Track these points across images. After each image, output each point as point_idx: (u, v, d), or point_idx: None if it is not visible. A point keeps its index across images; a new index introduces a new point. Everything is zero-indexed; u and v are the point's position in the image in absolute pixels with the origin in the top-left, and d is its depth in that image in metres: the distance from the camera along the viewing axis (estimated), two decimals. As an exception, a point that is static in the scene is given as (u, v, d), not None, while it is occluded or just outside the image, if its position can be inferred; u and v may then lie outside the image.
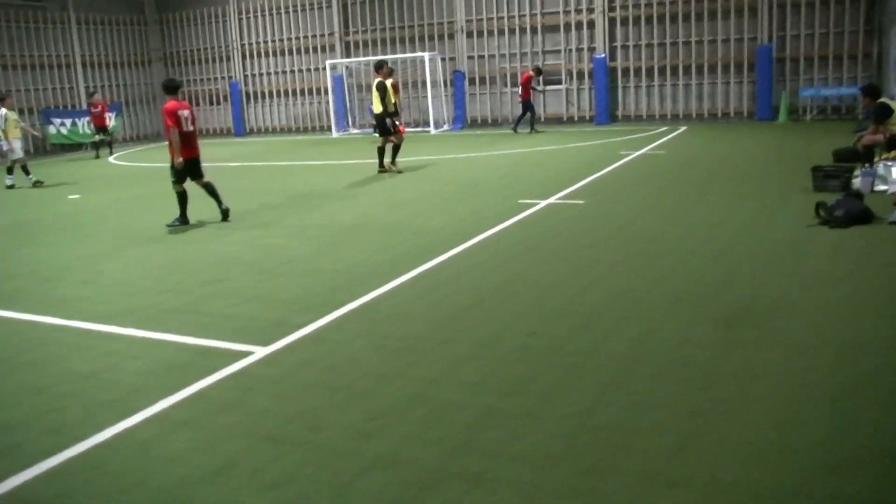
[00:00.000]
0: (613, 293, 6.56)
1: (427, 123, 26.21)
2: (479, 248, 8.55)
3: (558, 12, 25.59)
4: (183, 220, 10.99)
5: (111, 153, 25.10)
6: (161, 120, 10.65)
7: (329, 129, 28.85)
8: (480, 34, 26.85)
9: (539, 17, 25.91)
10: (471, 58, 27.15)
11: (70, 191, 16.12)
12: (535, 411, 4.37)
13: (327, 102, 29.05)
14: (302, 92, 30.68)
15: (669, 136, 19.93)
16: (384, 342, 5.72)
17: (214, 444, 4.25)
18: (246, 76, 31.57)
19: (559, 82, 25.84)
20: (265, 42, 30.86)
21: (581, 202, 10.90)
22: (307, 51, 30.13)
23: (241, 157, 21.82)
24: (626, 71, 25.14)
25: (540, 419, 4.26)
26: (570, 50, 25.68)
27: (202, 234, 10.41)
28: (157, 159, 22.76)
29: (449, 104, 27.42)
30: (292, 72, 30.68)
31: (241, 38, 31.25)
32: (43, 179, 17.51)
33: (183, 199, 10.99)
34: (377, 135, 15.99)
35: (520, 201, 11.17)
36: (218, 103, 32.43)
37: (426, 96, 26.33)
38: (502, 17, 26.42)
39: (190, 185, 11.02)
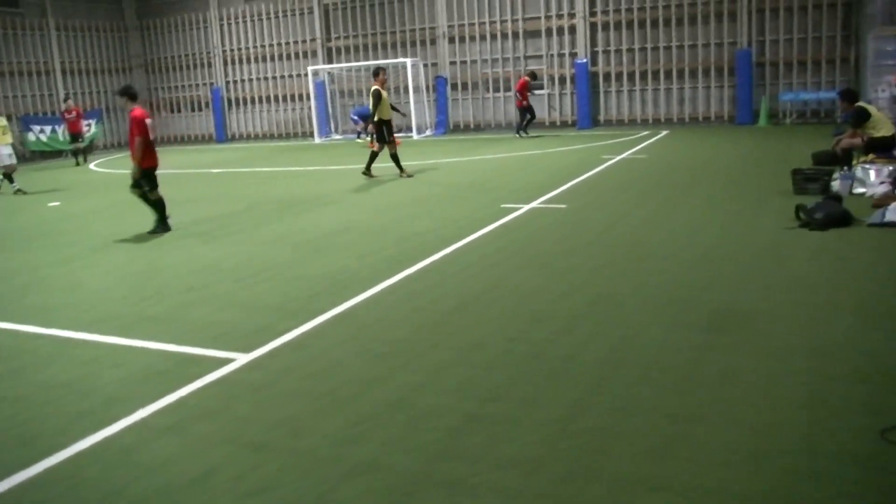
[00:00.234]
0: (594, 298, 6.58)
1: (410, 129, 26.25)
2: (461, 253, 8.55)
3: (540, 17, 25.71)
4: (165, 226, 10.92)
5: (86, 160, 24.75)
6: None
7: (311, 135, 28.81)
8: (462, 40, 26.92)
9: (521, 22, 26.02)
10: (453, 63, 27.21)
11: (50, 198, 16.01)
12: (517, 417, 4.37)
13: (309, 108, 29.02)
14: (284, 98, 30.65)
15: (651, 141, 20.03)
16: (367, 348, 5.70)
17: (195, 451, 4.23)
18: (228, 82, 31.48)
19: (541, 87, 25.94)
20: (247, 48, 30.80)
21: (563, 206, 10.93)
22: (289, 57, 30.10)
23: (223, 164, 21.75)
24: (607, 75, 25.28)
25: (521, 425, 4.27)
26: (552, 55, 25.80)
27: (183, 241, 10.36)
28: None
29: (431, 109, 27.48)
30: (274, 78, 30.64)
31: (223, 45, 31.18)
32: (26, 191, 17.32)
33: (162, 204, 10.92)
34: (377, 142, 15.80)
35: (502, 206, 11.19)
36: (200, 109, 32.33)
37: (409, 102, 26.35)
38: (484, 23, 26.50)
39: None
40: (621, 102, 25.31)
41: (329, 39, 29.25)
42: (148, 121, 10.76)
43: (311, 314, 6.55)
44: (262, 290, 7.52)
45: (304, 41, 29.61)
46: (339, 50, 29.18)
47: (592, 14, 25.00)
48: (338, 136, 28.80)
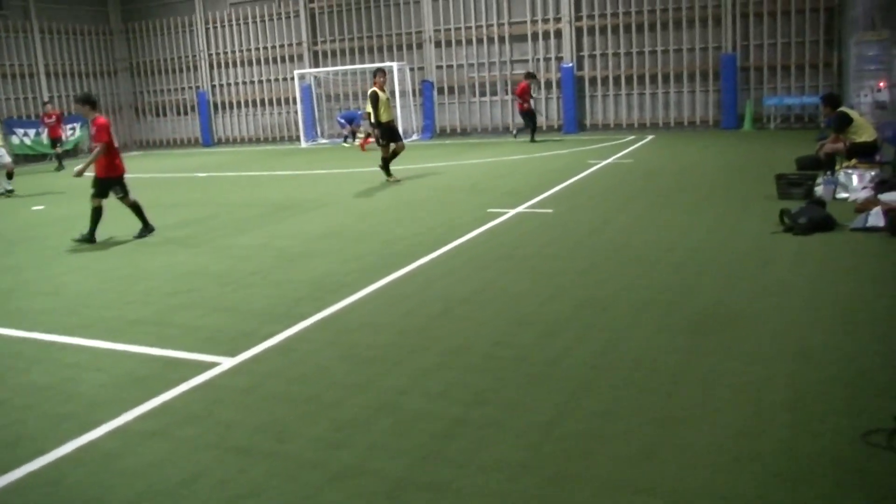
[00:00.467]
0: (580, 302, 6.60)
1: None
2: (447, 258, 8.56)
3: (526, 22, 25.78)
4: (91, 237, 10.71)
5: (62, 167, 24.03)
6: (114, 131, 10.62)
7: (298, 139, 28.77)
8: (449, 44, 26.96)
9: (507, 26, 26.08)
10: (439, 67, 27.24)
11: (34, 202, 15.91)
12: (502, 421, 4.38)
13: (296, 112, 28.97)
14: (270, 102, 30.59)
15: (637, 145, 20.12)
16: (352, 352, 5.70)
17: (179, 456, 4.21)
18: (213, 86, 31.39)
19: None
20: (233, 52, 30.73)
21: (549, 211, 10.96)
22: (275, 60, 30.04)
23: (209, 168, 21.68)
24: (593, 80, 25.38)
25: (506, 428, 4.27)
26: (538, 59, 25.86)
27: (168, 245, 10.32)
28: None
29: (418, 114, 27.48)
30: (260, 82, 30.57)
31: (209, 48, 31.10)
32: (15, 190, 17.28)
33: (98, 215, 10.74)
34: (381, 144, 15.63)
35: (489, 210, 11.21)
36: (185, 113, 32.22)
37: (395, 106, 26.33)
38: (470, 27, 26.55)
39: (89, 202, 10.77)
40: (607, 107, 25.40)
41: (315, 43, 29.22)
42: (109, 127, 10.80)
43: (296, 318, 6.54)
44: (247, 295, 7.50)
45: (290, 45, 29.56)
46: (325, 54, 29.15)
47: (578, 18, 25.09)
48: (324, 140, 28.77)
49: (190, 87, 31.81)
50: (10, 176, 17.39)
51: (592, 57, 25.24)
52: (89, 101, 10.94)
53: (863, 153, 11.29)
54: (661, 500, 3.49)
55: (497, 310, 6.52)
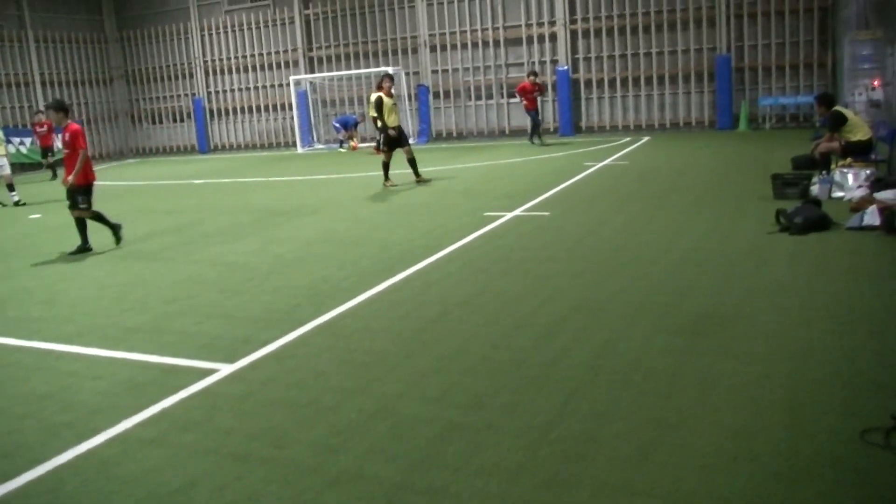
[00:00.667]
0: (576, 304, 6.61)
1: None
2: (444, 262, 8.57)
3: (520, 25, 25.82)
4: (86, 245, 10.61)
5: (55, 176, 23.68)
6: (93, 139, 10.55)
7: (294, 144, 28.77)
8: (444, 48, 27.00)
9: (501, 30, 26.12)
10: (434, 72, 27.28)
11: (30, 210, 15.91)
12: (498, 424, 4.38)
13: (292, 118, 28.98)
14: (266, 108, 30.60)
15: (632, 147, 20.14)
16: (349, 357, 5.71)
17: (178, 462, 4.21)
18: (209, 93, 31.40)
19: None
20: (228, 59, 30.75)
21: (546, 214, 10.97)
22: (271, 67, 30.06)
23: (205, 174, 21.67)
24: (588, 82, 25.41)
25: (503, 432, 4.28)
26: (534, 62, 25.88)
27: (164, 252, 10.32)
28: (118, 177, 22.56)
29: (413, 118, 27.49)
30: (256, 88, 30.59)
31: (204, 55, 31.11)
32: (6, 204, 17.18)
33: (84, 224, 10.67)
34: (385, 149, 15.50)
35: (485, 214, 11.22)
36: (181, 120, 32.22)
37: (391, 110, 26.33)
38: (465, 31, 26.59)
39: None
40: (602, 109, 25.44)
41: (311, 49, 29.24)
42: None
43: (293, 324, 6.55)
44: (244, 301, 7.50)
45: (285, 51, 29.58)
46: (320, 59, 29.17)
47: (573, 21, 25.13)
48: (320, 146, 28.76)
49: (186, 95, 31.82)
50: (10, 188, 17.32)
51: (587, 59, 25.28)
52: (63, 108, 10.82)
53: (858, 152, 11.32)
54: (658, 501, 3.50)
55: (494, 313, 6.53)
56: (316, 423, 4.58)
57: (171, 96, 32.23)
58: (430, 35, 27.08)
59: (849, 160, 11.22)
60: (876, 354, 4.99)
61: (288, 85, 28.60)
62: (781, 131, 21.76)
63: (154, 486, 3.96)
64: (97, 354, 6.18)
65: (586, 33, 25.07)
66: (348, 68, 28.18)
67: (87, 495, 3.94)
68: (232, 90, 31.02)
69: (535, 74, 23.01)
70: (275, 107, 30.34)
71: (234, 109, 31.15)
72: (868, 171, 10.57)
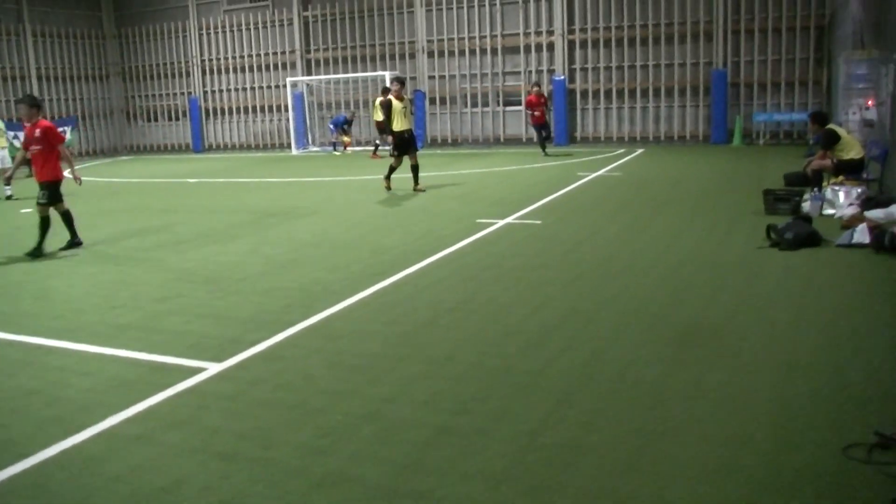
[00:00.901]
0: (567, 312, 6.63)
1: (387, 142, 26.22)
2: (435, 267, 8.58)
3: (518, 34, 25.90)
4: (40, 249, 10.23)
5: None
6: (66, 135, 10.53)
7: (289, 146, 28.77)
8: (441, 54, 27.06)
9: (499, 38, 26.19)
10: (431, 77, 27.33)
11: (22, 205, 15.85)
12: (486, 430, 4.39)
13: (287, 120, 28.98)
14: (262, 109, 30.61)
15: (626, 159, 20.21)
16: (338, 360, 5.71)
17: (164, 460, 4.21)
18: (205, 92, 31.39)
19: (518, 103, 26.08)
20: (225, 58, 30.75)
21: (538, 222, 11.00)
22: (268, 68, 30.08)
23: (199, 174, 21.65)
24: (584, 93, 25.50)
25: (490, 438, 4.29)
26: (530, 71, 25.96)
27: (156, 251, 10.31)
28: (112, 174, 22.51)
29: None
30: (252, 88, 30.60)
31: (201, 54, 31.11)
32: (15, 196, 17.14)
33: (68, 218, 10.57)
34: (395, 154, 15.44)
35: (477, 221, 11.24)
36: (177, 119, 32.21)
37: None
38: (463, 38, 26.66)
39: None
40: (598, 120, 25.52)
41: (308, 51, 29.27)
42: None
43: (283, 325, 6.55)
44: (235, 301, 7.50)
45: (283, 52, 29.61)
46: (318, 62, 29.20)
47: (570, 31, 25.22)
48: (315, 148, 28.77)
49: (182, 93, 31.81)
50: (7, 181, 17.25)
51: (584, 70, 25.37)
52: (36, 104, 10.67)
53: (850, 170, 11.38)
54: (642, 510, 3.52)
55: (484, 320, 6.54)
56: (303, 425, 4.58)
57: (168, 94, 32.21)
58: (429, 41, 27.14)
59: (841, 178, 11.29)
60: (862, 370, 5.02)
61: (284, 86, 28.62)
62: (775, 147, 21.87)
63: (140, 484, 3.96)
64: (86, 351, 6.17)
65: (584, 44, 25.17)
66: (345, 72, 28.21)
67: (72, 491, 3.94)
68: (228, 90, 31.02)
69: (538, 85, 22.74)
70: (270, 108, 30.35)
71: (230, 109, 31.14)
72: (859, 190, 10.63)
